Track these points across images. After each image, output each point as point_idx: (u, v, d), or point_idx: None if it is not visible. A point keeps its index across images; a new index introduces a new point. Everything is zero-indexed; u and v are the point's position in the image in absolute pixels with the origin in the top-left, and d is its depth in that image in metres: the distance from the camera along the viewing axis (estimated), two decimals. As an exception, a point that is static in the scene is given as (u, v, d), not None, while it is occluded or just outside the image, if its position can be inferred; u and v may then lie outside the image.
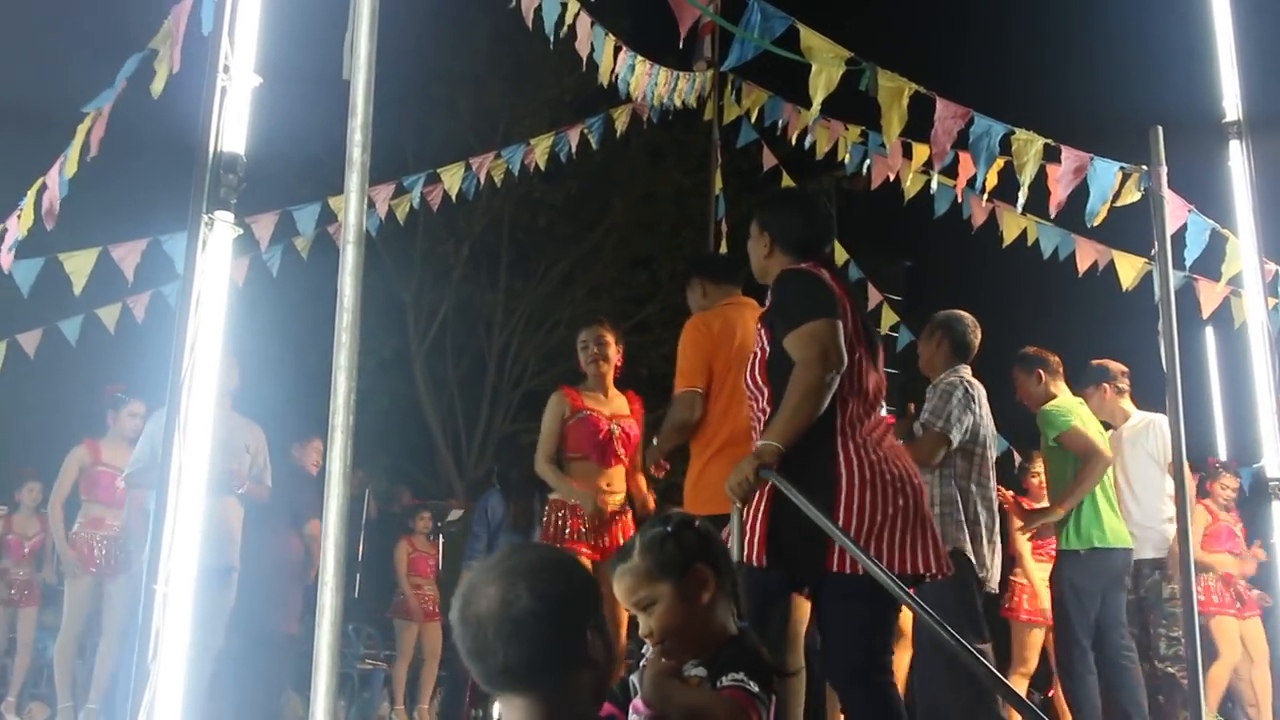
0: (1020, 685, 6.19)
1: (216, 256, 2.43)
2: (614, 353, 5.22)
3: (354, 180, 2.52)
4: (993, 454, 4.74)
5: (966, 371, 4.76)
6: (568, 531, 5.09)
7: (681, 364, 4.26)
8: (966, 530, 4.52)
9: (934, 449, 4.53)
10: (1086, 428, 5.23)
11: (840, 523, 2.97)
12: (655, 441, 4.50)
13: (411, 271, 15.20)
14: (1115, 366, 5.83)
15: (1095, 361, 5.90)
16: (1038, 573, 6.32)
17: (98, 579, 6.17)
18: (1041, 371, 5.38)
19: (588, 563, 4.84)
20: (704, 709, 1.99)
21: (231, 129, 2.46)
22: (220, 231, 2.41)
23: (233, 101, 2.47)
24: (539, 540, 5.76)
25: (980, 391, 4.71)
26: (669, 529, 2.15)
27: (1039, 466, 6.45)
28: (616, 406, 5.23)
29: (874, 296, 7.89)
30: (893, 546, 3.03)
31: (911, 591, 2.86)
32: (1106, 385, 5.77)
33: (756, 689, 2.00)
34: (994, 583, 4.70)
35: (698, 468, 4.19)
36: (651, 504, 5.20)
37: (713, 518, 3.82)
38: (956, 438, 4.55)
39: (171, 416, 2.32)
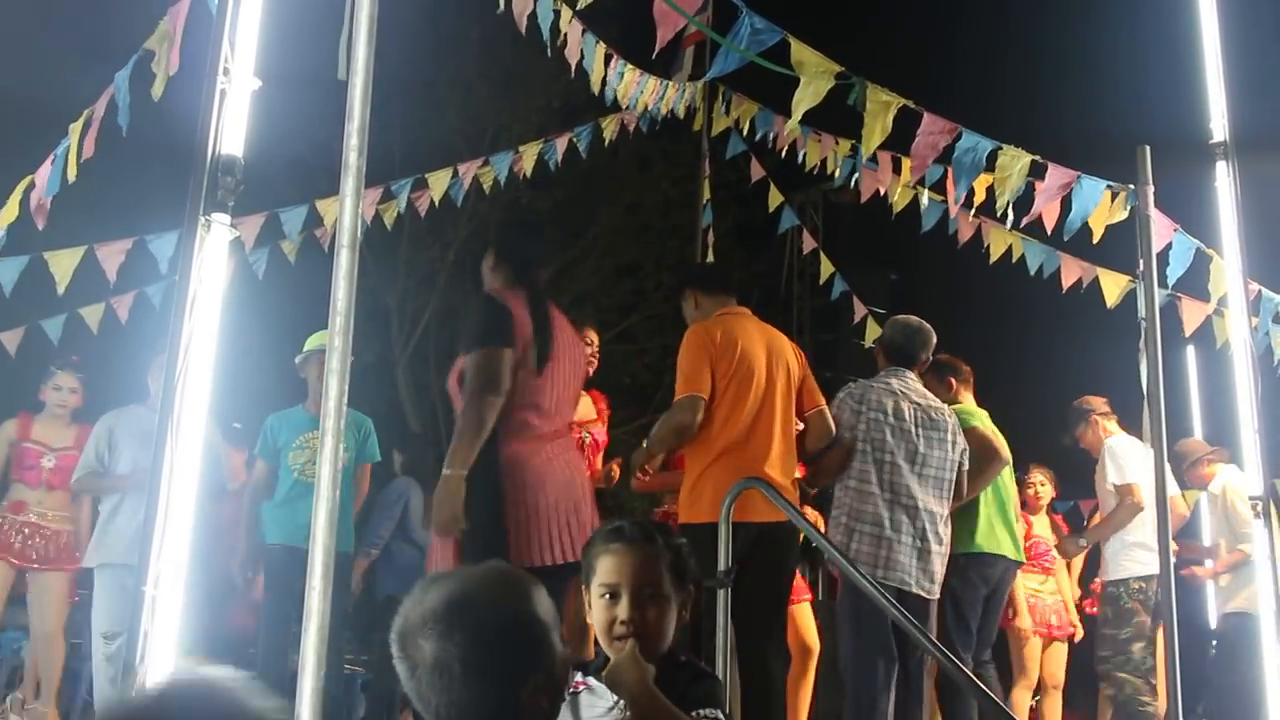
0: (1023, 697, 6.16)
1: (213, 259, 2.42)
2: None
3: (349, 184, 2.50)
4: (909, 458, 4.58)
5: (903, 379, 4.71)
6: None
7: (684, 369, 4.20)
8: (870, 541, 4.41)
9: (838, 457, 4.53)
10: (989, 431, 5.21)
11: (511, 517, 3.42)
12: (646, 444, 4.39)
13: (396, 276, 15.16)
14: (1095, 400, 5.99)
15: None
16: (1029, 584, 6.28)
17: (18, 571, 5.69)
18: (953, 379, 5.36)
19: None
20: None
21: (230, 131, 2.45)
22: (217, 234, 2.40)
23: (232, 104, 2.46)
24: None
25: (879, 398, 4.60)
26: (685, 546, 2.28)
27: (1035, 477, 6.49)
28: (583, 412, 5.20)
29: (858, 310, 7.89)
30: (542, 538, 3.45)
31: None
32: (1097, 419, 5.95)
33: None
34: (925, 591, 4.51)
35: (695, 475, 4.16)
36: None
37: (707, 526, 3.85)
38: (849, 441, 4.54)
39: (165, 418, 2.30)
